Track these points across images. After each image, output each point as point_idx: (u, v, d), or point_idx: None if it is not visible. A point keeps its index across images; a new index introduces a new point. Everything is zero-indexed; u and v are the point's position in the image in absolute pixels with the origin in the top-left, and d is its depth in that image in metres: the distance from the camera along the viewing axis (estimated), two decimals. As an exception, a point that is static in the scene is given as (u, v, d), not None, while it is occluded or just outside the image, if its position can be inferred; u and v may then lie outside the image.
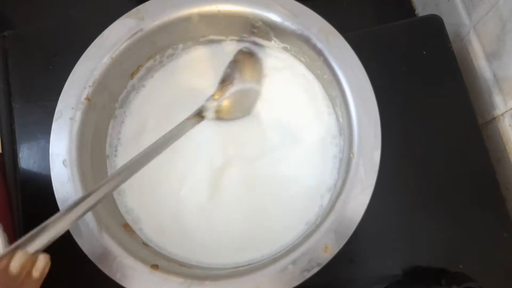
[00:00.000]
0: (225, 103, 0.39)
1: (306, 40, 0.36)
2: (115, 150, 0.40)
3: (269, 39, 0.40)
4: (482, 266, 0.39)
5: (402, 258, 0.40)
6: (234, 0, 0.37)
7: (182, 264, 0.36)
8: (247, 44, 0.41)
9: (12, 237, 0.38)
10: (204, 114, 0.38)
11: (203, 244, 0.37)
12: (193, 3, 0.37)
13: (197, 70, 0.42)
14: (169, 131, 0.34)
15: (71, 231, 0.33)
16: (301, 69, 0.41)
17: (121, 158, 0.40)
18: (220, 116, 0.39)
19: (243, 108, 0.40)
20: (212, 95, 0.39)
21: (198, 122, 0.37)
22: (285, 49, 0.40)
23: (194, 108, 0.40)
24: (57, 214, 0.27)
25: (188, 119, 0.36)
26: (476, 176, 0.42)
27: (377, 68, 0.43)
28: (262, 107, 0.40)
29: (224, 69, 0.40)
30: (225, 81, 0.39)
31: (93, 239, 0.33)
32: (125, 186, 0.39)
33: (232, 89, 0.39)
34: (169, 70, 0.42)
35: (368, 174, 0.32)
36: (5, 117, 0.47)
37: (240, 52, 0.40)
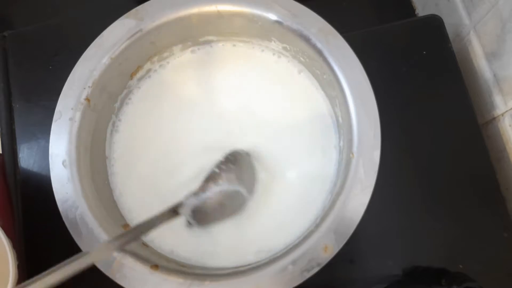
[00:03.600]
0: (207, 204, 0.35)
1: (306, 40, 0.36)
2: (115, 151, 0.40)
3: (269, 39, 0.40)
4: (482, 266, 0.39)
5: (402, 258, 0.40)
6: (234, 0, 0.37)
7: (182, 264, 0.36)
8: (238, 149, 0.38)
9: (12, 237, 0.38)
10: (180, 210, 0.34)
11: (203, 244, 0.37)
12: (193, 3, 0.37)
13: (196, 70, 0.42)
14: (141, 225, 0.31)
15: (71, 231, 0.33)
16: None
17: (121, 158, 0.40)
18: (197, 217, 0.35)
19: (224, 214, 0.36)
20: (193, 192, 0.35)
21: (171, 218, 0.33)
22: (284, 49, 0.40)
23: (192, 109, 0.40)
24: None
25: (162, 214, 0.32)
26: (476, 176, 0.42)
27: (377, 68, 0.43)
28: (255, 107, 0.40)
29: (212, 167, 0.36)
30: (210, 179, 0.35)
31: (93, 239, 0.33)
32: (124, 189, 0.39)
33: (217, 188, 0.35)
34: (167, 71, 0.42)
35: (368, 174, 0.32)
36: (5, 117, 0.47)
37: (232, 153, 0.37)
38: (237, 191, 0.36)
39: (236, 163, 0.36)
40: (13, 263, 0.35)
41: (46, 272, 0.25)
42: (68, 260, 0.27)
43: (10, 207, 0.44)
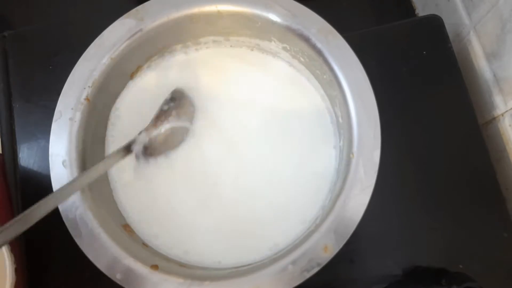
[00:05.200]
0: (157, 139, 0.38)
1: (306, 40, 0.36)
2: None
3: (269, 39, 0.40)
4: (482, 266, 0.39)
5: (402, 258, 0.40)
6: (234, 0, 0.37)
7: (182, 264, 0.36)
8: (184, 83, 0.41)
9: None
10: (132, 147, 0.37)
11: (203, 244, 0.37)
12: (193, 3, 0.37)
13: (196, 70, 0.42)
14: (96, 166, 0.33)
15: (71, 231, 0.33)
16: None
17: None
18: (149, 151, 0.38)
19: (170, 145, 0.39)
20: (144, 129, 0.38)
21: (125, 156, 0.36)
22: (284, 49, 0.40)
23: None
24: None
25: (117, 151, 0.36)
26: (476, 176, 0.42)
27: (377, 68, 0.43)
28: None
29: (160, 105, 0.39)
30: (159, 117, 0.38)
31: (92, 239, 0.33)
32: (123, 189, 0.39)
33: (167, 125, 0.38)
34: (167, 71, 0.42)
35: (368, 174, 0.32)
36: (5, 117, 0.47)
37: (177, 90, 0.40)
38: (185, 127, 0.39)
39: (181, 100, 0.39)
40: (10, 267, 0.35)
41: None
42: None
43: (10, 207, 0.44)
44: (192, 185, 0.39)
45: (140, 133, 0.37)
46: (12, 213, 0.44)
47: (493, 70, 0.43)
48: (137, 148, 0.37)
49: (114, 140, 0.40)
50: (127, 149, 0.36)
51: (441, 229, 0.40)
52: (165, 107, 0.39)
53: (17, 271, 0.36)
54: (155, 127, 0.38)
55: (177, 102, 0.39)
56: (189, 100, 0.40)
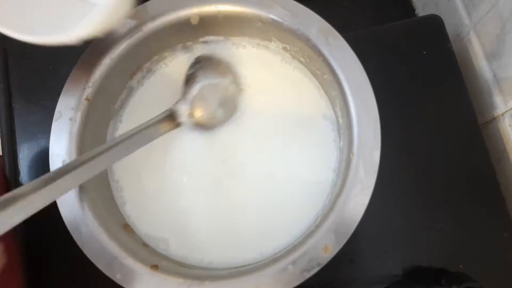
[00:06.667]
0: (197, 103, 0.37)
1: (306, 40, 0.36)
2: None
3: (269, 39, 0.40)
4: (482, 266, 0.39)
5: (402, 258, 0.40)
6: (234, 0, 0.37)
7: (182, 264, 0.36)
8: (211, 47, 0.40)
9: (12, 239, 0.38)
10: (178, 120, 0.36)
11: (203, 244, 0.37)
12: (193, 3, 0.37)
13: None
14: (138, 131, 0.32)
15: (71, 231, 0.33)
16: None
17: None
18: (199, 121, 0.37)
19: (222, 107, 0.38)
20: (179, 99, 0.37)
21: (173, 128, 0.35)
22: (284, 49, 0.40)
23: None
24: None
25: (158, 121, 0.34)
26: (476, 176, 0.42)
27: (377, 68, 0.43)
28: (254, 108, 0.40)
29: (186, 72, 0.38)
30: (188, 81, 0.38)
31: (93, 239, 0.33)
32: (124, 189, 0.39)
33: (198, 86, 0.37)
34: (167, 71, 0.42)
35: (368, 174, 0.32)
36: (5, 117, 0.47)
37: (202, 55, 0.40)
38: (217, 82, 0.37)
39: (207, 61, 0.38)
40: None
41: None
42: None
43: None
44: (196, 184, 0.39)
45: (175, 103, 0.35)
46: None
47: (493, 70, 0.43)
48: (184, 119, 0.35)
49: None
50: (171, 120, 0.35)
51: (441, 229, 0.40)
52: (191, 71, 0.38)
53: (18, 269, 0.35)
54: (187, 94, 0.36)
55: (202, 63, 0.38)
56: (216, 59, 0.39)
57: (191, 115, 0.37)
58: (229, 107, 0.39)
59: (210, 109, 0.37)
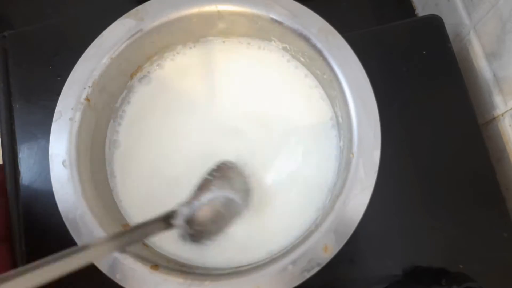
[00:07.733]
0: (200, 212, 0.33)
1: (306, 40, 0.36)
2: (114, 151, 0.40)
3: (269, 39, 0.40)
4: (482, 266, 0.39)
5: (402, 258, 0.40)
6: (234, 0, 0.37)
7: (182, 264, 0.36)
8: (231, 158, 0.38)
9: (8, 238, 0.38)
10: (173, 221, 0.32)
11: (203, 244, 0.37)
12: (193, 3, 0.37)
13: (196, 70, 0.42)
14: (130, 232, 0.30)
15: (71, 231, 0.33)
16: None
17: (120, 159, 0.40)
18: (192, 228, 0.33)
19: (219, 224, 0.35)
20: (186, 201, 0.33)
21: (165, 229, 0.31)
22: (284, 49, 0.40)
23: (192, 110, 0.40)
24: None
25: (154, 221, 0.31)
26: (476, 176, 0.42)
27: (377, 68, 0.44)
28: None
29: (204, 175, 0.35)
30: (202, 187, 0.34)
31: (93, 239, 0.33)
32: (124, 189, 0.39)
33: (210, 195, 0.33)
34: (167, 71, 0.42)
35: (368, 174, 0.32)
36: (5, 117, 0.47)
37: (223, 162, 0.36)
38: (231, 198, 0.34)
39: (227, 171, 0.36)
40: None
41: (34, 264, 0.22)
42: (63, 253, 0.25)
43: (6, 207, 0.44)
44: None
45: (179, 206, 0.32)
46: (7, 213, 0.44)
47: (493, 70, 0.43)
48: (179, 222, 0.32)
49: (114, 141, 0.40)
50: (167, 222, 0.31)
51: (441, 229, 0.40)
52: (209, 177, 0.34)
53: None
54: (195, 199, 0.33)
55: (222, 171, 0.35)
56: (236, 171, 0.37)
57: (188, 221, 0.33)
58: (223, 226, 0.35)
59: (209, 223, 0.34)
